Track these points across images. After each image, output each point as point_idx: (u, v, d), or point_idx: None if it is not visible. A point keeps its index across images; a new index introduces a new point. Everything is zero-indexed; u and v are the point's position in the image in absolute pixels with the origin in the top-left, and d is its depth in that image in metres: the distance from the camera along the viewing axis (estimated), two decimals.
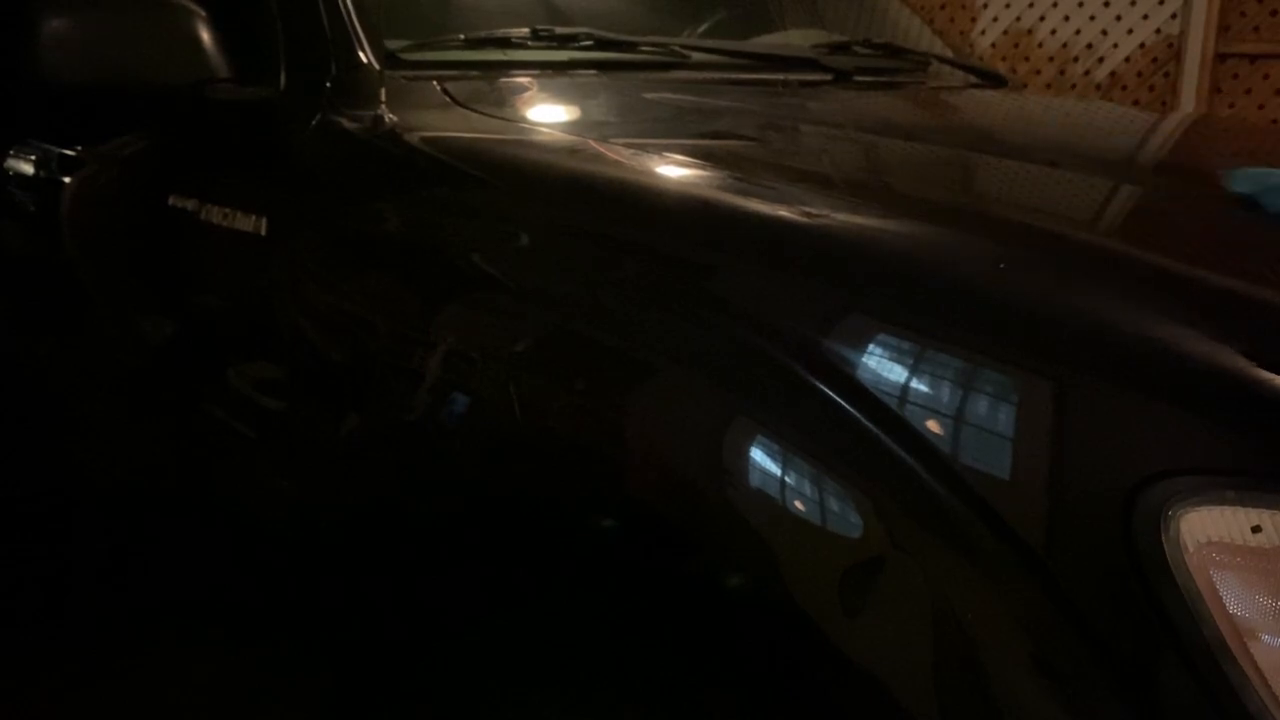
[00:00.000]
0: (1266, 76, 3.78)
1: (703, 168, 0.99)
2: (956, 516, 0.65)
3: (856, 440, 0.70)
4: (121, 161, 1.58)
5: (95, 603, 1.65)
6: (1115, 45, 3.95)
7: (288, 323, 1.21)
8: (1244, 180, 1.00)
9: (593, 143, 1.09)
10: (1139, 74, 3.93)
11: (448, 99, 1.24)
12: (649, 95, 1.38)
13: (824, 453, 0.72)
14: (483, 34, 1.40)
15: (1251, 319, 0.68)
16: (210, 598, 1.38)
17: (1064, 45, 4.04)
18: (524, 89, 1.35)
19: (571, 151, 1.10)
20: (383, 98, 1.24)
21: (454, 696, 1.03)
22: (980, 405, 0.66)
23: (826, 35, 1.75)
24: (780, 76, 1.53)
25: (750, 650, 0.77)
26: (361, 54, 1.28)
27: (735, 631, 0.77)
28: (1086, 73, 4.01)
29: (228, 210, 1.26)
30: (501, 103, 1.30)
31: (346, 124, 1.22)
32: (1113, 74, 3.96)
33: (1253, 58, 3.78)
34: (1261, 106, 3.79)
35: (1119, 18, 3.92)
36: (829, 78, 1.57)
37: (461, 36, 1.40)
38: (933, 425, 0.68)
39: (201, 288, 1.37)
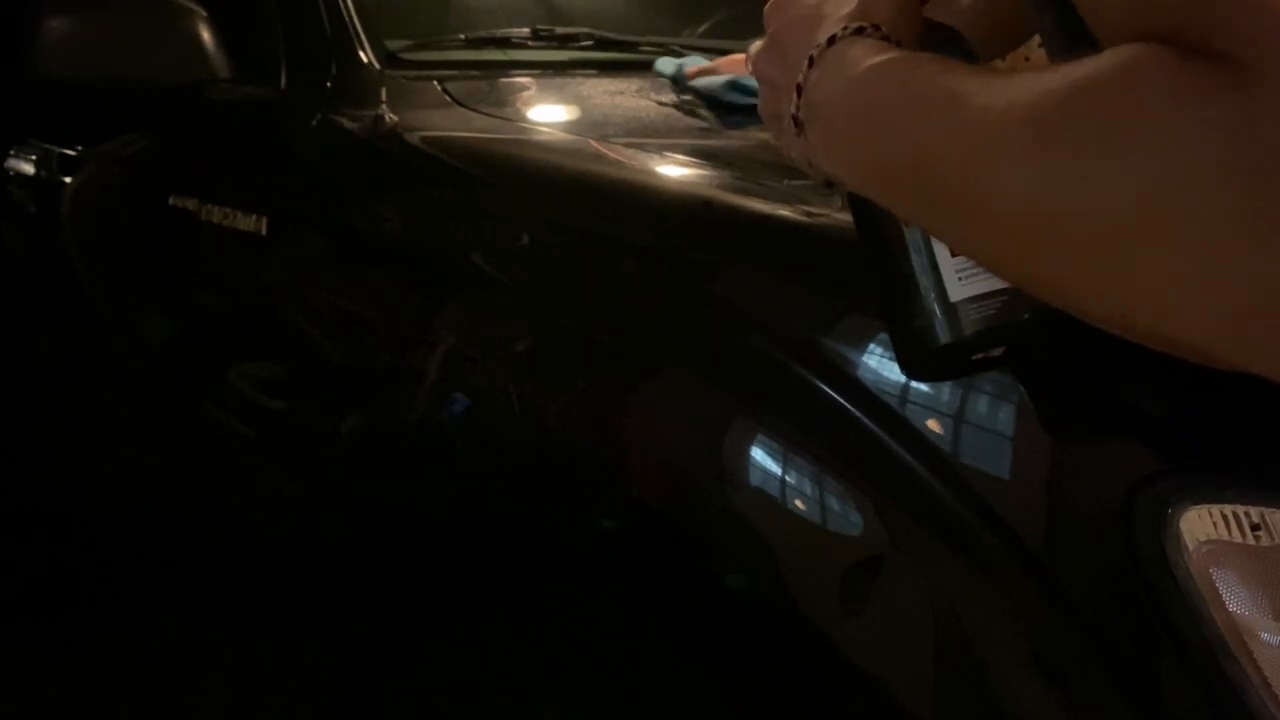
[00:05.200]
0: None
1: (703, 168, 0.99)
2: (956, 516, 0.65)
3: (857, 440, 0.70)
4: (121, 161, 1.58)
5: (95, 603, 1.65)
6: None
7: (288, 323, 1.21)
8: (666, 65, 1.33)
9: (593, 143, 1.09)
10: None
11: (448, 99, 1.24)
12: (649, 95, 1.38)
13: (824, 453, 0.72)
14: (483, 34, 1.40)
15: None
16: (210, 598, 1.38)
17: None
18: (524, 89, 1.35)
19: (571, 151, 1.10)
20: (383, 98, 1.24)
21: (454, 696, 1.03)
22: (980, 404, 0.66)
23: None
24: None
25: (750, 650, 0.77)
26: (361, 54, 1.28)
27: (735, 632, 0.77)
28: None
29: (228, 210, 1.26)
30: (501, 103, 1.30)
31: (347, 124, 1.22)
32: None
33: None
34: None
35: None
36: None
37: (462, 36, 1.40)
38: (933, 425, 0.68)
39: (202, 288, 1.37)
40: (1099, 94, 0.38)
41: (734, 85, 1.21)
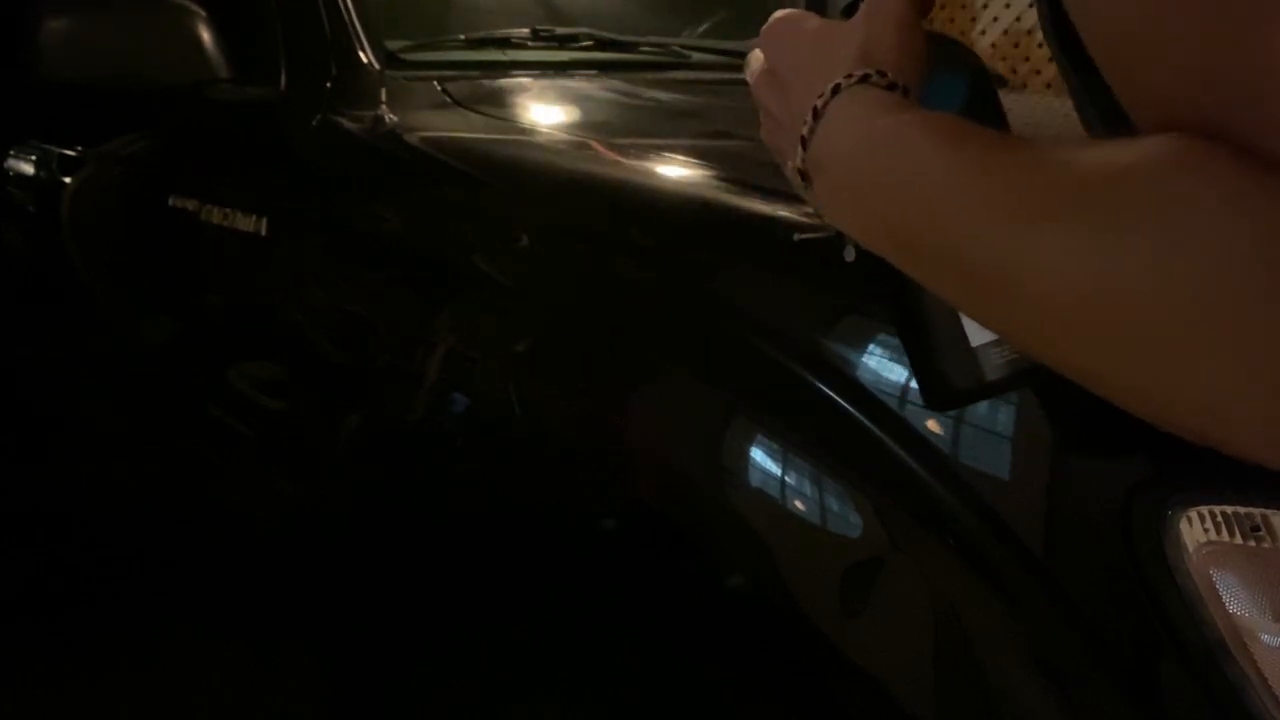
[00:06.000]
0: None
1: (703, 168, 0.99)
2: (956, 516, 0.66)
3: (857, 440, 0.70)
4: (121, 161, 1.58)
5: (95, 603, 1.65)
6: None
7: (288, 323, 1.21)
8: None
9: (593, 143, 1.09)
10: None
11: (448, 99, 1.24)
12: (649, 95, 1.38)
13: (824, 453, 0.72)
14: (482, 34, 1.40)
15: None
16: (210, 598, 1.38)
17: None
18: (524, 89, 1.35)
19: (571, 151, 1.10)
20: (383, 98, 1.24)
21: (454, 696, 1.03)
22: (980, 406, 0.66)
23: None
24: None
25: (750, 650, 0.77)
26: (361, 54, 1.28)
27: (735, 632, 0.77)
28: None
29: (228, 210, 1.26)
30: (501, 103, 1.30)
31: (346, 124, 1.22)
32: None
33: None
34: None
35: None
36: None
37: (461, 37, 1.40)
38: (932, 425, 0.68)
39: (202, 288, 1.37)
40: (1152, 182, 0.36)
41: None
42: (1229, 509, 0.57)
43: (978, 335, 0.55)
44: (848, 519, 0.71)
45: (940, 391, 0.58)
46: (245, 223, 1.23)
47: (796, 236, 0.74)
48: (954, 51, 0.57)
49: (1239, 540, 0.57)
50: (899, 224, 0.47)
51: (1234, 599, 0.57)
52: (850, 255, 0.59)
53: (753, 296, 0.82)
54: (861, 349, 0.72)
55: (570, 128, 1.25)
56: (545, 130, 1.21)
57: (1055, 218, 0.39)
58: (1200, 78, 0.37)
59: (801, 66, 0.54)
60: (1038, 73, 4.09)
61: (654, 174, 1.00)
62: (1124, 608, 0.60)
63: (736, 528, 0.76)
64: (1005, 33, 4.15)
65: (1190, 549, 0.57)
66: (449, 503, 0.99)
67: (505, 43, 1.40)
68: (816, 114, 0.51)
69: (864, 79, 0.50)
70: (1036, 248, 0.39)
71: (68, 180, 1.58)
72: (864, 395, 0.71)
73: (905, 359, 0.70)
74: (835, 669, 0.70)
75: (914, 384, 0.69)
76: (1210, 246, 0.35)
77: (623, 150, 1.06)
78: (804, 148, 0.52)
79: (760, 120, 0.59)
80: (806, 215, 0.86)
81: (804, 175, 0.52)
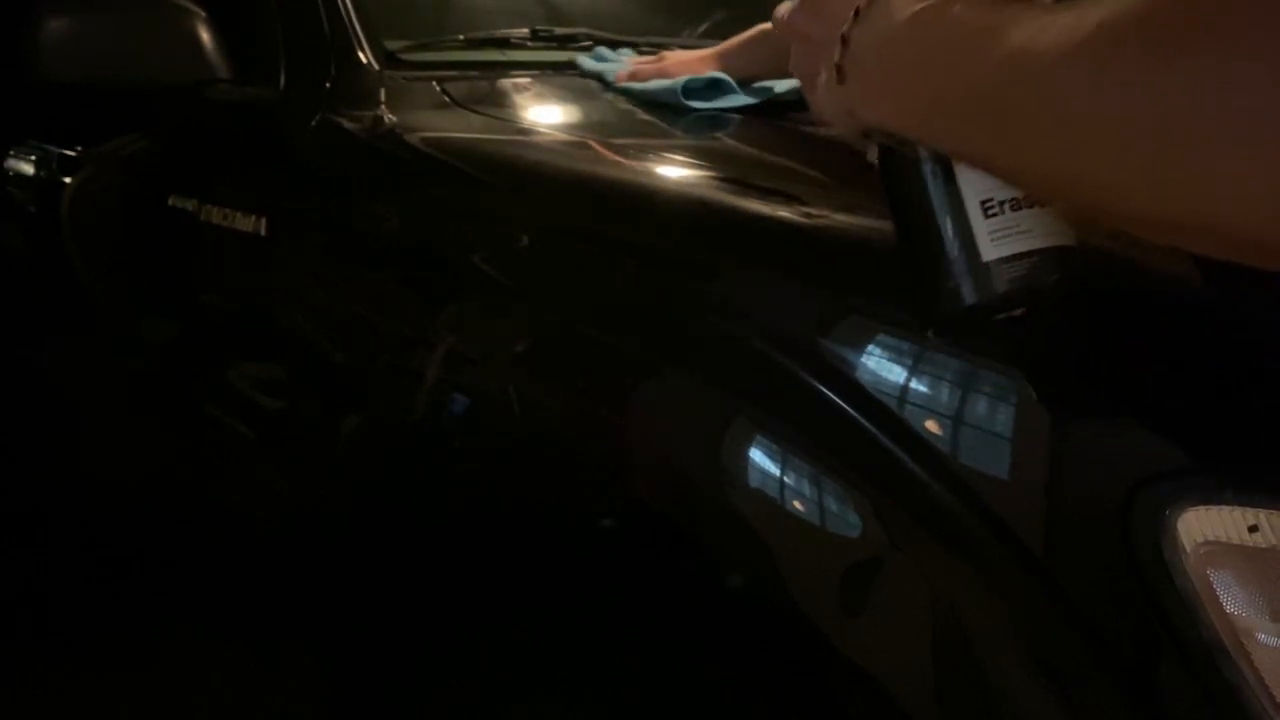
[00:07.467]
0: None
1: (703, 168, 0.99)
2: (956, 517, 0.66)
3: (856, 440, 0.70)
4: (121, 161, 1.58)
5: (95, 603, 1.65)
6: None
7: (288, 323, 1.21)
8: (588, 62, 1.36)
9: (592, 143, 1.09)
10: None
11: (447, 99, 1.24)
12: None
13: (824, 453, 0.72)
14: (482, 34, 1.40)
15: (1248, 316, 0.68)
16: (210, 598, 1.38)
17: None
18: (524, 89, 1.35)
19: (571, 151, 1.10)
20: (382, 98, 1.24)
21: (454, 696, 1.03)
22: (979, 406, 0.67)
23: None
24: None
25: (750, 650, 0.77)
26: (361, 54, 1.28)
27: (735, 632, 0.78)
28: None
29: (228, 210, 1.26)
30: (501, 103, 1.30)
31: (346, 124, 1.22)
32: None
33: None
34: None
35: None
36: None
37: (461, 37, 1.41)
38: (932, 425, 0.68)
39: (201, 288, 1.37)
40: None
41: (689, 89, 1.19)
42: (1227, 508, 0.57)
43: (990, 250, 0.58)
44: (848, 519, 0.71)
45: (947, 308, 0.61)
46: (245, 223, 1.23)
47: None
48: None
49: (1237, 540, 0.57)
50: (938, 90, 0.52)
51: (1232, 598, 0.57)
52: (873, 156, 0.63)
53: (753, 296, 0.82)
54: (861, 349, 0.72)
55: (570, 128, 1.25)
56: (545, 130, 1.22)
57: (1091, 50, 0.42)
58: None
59: None
60: None
61: (654, 174, 1.00)
62: (1123, 607, 0.60)
63: (736, 528, 0.76)
64: None
65: (1188, 548, 0.57)
66: (449, 503, 0.99)
67: (505, 43, 1.40)
68: (858, 13, 0.57)
69: None
70: (1076, 80, 0.43)
71: (68, 180, 1.58)
72: (864, 395, 0.71)
73: (906, 359, 0.70)
74: (835, 669, 0.70)
75: (914, 384, 0.69)
76: (1247, 46, 0.37)
77: (623, 150, 1.06)
78: (844, 45, 0.57)
79: (790, 54, 0.65)
80: (806, 215, 0.86)
81: (841, 71, 0.58)
